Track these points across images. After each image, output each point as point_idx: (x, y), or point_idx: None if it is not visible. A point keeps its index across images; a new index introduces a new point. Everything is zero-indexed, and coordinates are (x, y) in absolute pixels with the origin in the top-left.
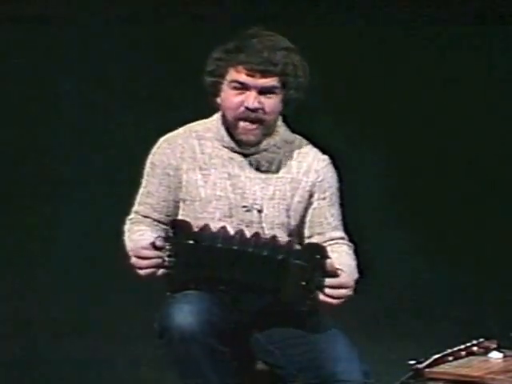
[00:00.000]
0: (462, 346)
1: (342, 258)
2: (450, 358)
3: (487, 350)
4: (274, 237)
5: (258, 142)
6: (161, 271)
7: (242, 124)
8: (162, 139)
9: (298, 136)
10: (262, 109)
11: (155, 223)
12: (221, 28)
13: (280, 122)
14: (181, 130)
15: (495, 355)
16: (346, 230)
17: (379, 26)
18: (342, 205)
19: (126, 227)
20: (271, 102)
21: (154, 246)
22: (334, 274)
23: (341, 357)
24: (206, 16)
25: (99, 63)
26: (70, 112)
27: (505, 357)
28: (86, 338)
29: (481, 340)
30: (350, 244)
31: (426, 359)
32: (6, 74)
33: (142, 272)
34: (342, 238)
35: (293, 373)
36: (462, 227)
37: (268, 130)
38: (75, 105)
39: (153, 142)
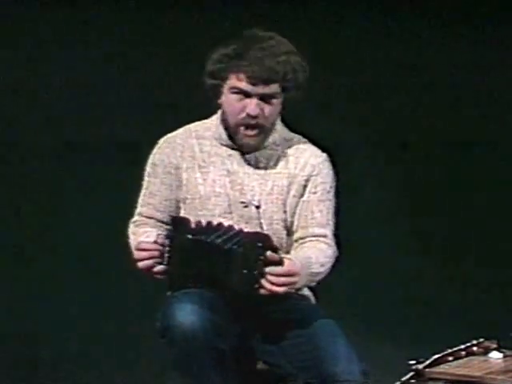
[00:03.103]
0: (462, 346)
1: (307, 250)
2: (450, 358)
3: (487, 350)
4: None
5: (258, 147)
6: (160, 267)
7: (242, 130)
8: (161, 140)
9: (296, 135)
10: (263, 114)
11: (159, 224)
12: (220, 27)
13: (279, 121)
14: (180, 130)
15: (495, 355)
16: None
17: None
18: (337, 203)
19: (131, 230)
20: (272, 107)
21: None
22: (276, 262)
23: (340, 357)
24: (206, 15)
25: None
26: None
27: (505, 357)
28: (87, 338)
29: (481, 340)
30: (331, 244)
31: (426, 359)
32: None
33: (141, 264)
34: (324, 236)
35: (293, 372)
36: (462, 227)
37: (268, 134)
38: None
39: (154, 142)
